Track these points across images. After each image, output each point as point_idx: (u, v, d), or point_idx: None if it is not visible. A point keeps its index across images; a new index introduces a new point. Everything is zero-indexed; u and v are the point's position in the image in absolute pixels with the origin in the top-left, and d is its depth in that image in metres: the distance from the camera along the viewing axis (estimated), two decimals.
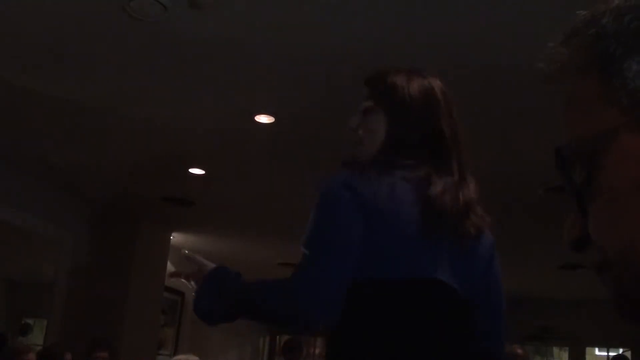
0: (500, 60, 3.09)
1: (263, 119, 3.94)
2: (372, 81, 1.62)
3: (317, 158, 4.51)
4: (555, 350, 10.18)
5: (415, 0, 2.70)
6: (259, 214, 6.07)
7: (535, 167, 4.32)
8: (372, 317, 1.41)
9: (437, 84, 1.57)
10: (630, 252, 0.51)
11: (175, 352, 7.61)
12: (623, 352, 8.49)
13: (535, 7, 2.65)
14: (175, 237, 7.14)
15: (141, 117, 4.12)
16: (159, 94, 3.74)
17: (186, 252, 1.67)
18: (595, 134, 0.53)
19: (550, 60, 0.59)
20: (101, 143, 4.62)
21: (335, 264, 1.37)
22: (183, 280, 1.62)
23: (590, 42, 0.55)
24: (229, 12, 2.87)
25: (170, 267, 7.23)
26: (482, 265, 1.51)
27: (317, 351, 10.10)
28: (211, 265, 1.57)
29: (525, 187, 4.72)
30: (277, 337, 10.32)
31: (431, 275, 1.41)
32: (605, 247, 0.53)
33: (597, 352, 9.66)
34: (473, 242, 1.48)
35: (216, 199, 5.87)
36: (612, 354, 8.90)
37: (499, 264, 1.56)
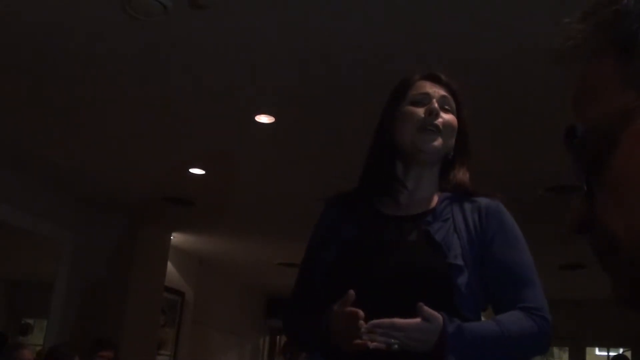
0: (501, 59, 3.09)
1: (263, 119, 3.94)
2: (453, 87, 1.73)
3: (317, 158, 4.51)
4: (555, 350, 10.18)
5: (416, 0, 2.70)
6: (258, 214, 6.06)
7: (535, 167, 4.32)
8: None
9: None
10: None
11: (176, 352, 7.61)
12: (623, 352, 8.49)
13: (536, 8, 2.65)
14: (175, 237, 7.14)
15: (141, 116, 4.12)
16: (158, 93, 3.74)
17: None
18: (611, 115, 0.51)
19: (565, 37, 0.56)
20: (101, 143, 4.61)
21: None
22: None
23: (610, 20, 0.53)
24: (229, 12, 2.87)
25: (170, 267, 7.23)
26: None
27: None
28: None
29: (525, 187, 4.71)
30: (277, 337, 10.31)
31: None
32: (615, 231, 0.51)
33: (597, 352, 9.66)
34: None
35: (216, 199, 5.87)
36: (612, 354, 8.89)
37: None
